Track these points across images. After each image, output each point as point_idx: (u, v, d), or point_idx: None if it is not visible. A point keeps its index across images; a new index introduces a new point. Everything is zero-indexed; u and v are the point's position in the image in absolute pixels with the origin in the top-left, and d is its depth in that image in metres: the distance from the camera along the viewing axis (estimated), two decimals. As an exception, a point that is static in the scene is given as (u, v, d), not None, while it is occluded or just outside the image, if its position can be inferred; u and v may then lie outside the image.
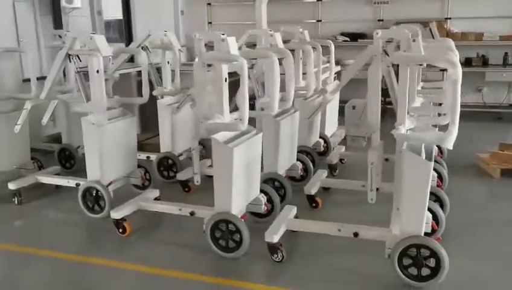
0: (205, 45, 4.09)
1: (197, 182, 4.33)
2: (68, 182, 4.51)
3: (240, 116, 3.24)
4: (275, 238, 3.28)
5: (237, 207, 3.43)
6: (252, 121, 3.40)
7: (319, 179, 4.40)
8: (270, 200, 3.83)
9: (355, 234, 3.27)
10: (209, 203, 3.59)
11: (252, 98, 3.36)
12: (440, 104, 3.91)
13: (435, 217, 3.37)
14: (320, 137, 5.34)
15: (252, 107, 3.32)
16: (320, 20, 8.97)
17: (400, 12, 8.20)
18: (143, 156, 5.29)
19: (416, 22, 5.97)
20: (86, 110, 3.99)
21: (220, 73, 3.24)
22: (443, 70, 6.74)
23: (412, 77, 2.92)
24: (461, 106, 2.65)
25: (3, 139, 4.64)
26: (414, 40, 2.98)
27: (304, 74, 4.98)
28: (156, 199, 4.14)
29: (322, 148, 5.31)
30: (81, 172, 4.61)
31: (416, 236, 2.91)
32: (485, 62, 7.94)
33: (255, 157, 3.58)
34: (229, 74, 3.30)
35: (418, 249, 2.91)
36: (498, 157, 5.20)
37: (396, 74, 3.76)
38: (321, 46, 5.03)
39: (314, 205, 4.24)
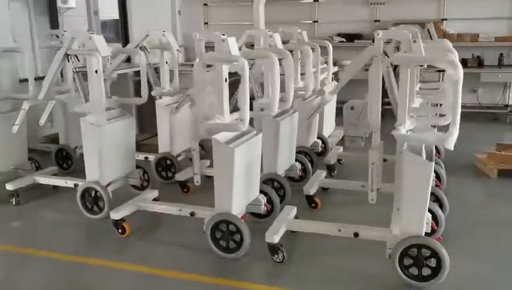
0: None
1: (197, 182, 4.33)
2: (66, 182, 4.49)
3: (240, 116, 3.24)
4: (276, 239, 3.28)
5: (238, 208, 3.43)
6: (250, 122, 3.39)
7: (318, 180, 4.41)
8: (269, 200, 3.83)
9: (356, 234, 3.28)
10: (208, 204, 3.59)
11: (251, 99, 3.36)
12: (437, 105, 3.94)
13: (435, 217, 3.38)
14: (318, 137, 5.35)
15: (250, 107, 3.32)
16: (317, 21, 8.98)
17: (396, 13, 8.23)
18: (141, 156, 5.28)
19: (412, 23, 6.02)
20: (85, 110, 3.97)
21: (220, 73, 3.24)
22: (439, 71, 6.80)
23: (411, 77, 2.93)
24: (459, 106, 2.66)
25: (0, 139, 4.61)
26: (415, 41, 2.99)
27: (302, 74, 5.00)
28: (155, 199, 4.13)
29: (319, 149, 5.32)
30: (79, 173, 4.60)
31: (417, 236, 2.92)
32: (480, 63, 7.99)
33: (255, 158, 3.58)
34: (228, 74, 3.30)
35: (419, 249, 2.92)
36: (495, 157, 5.23)
37: (395, 75, 3.78)
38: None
39: (313, 205, 4.25)
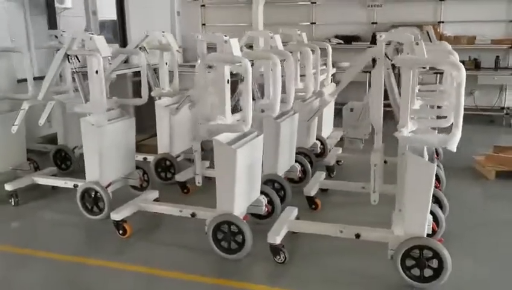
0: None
1: (199, 183, 4.32)
2: (66, 183, 4.47)
3: (242, 117, 3.23)
4: (278, 240, 3.28)
5: (239, 209, 3.43)
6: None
7: (318, 181, 4.41)
8: (270, 201, 3.83)
9: (357, 236, 3.28)
10: (208, 205, 3.59)
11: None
12: (434, 106, 3.96)
13: (435, 219, 3.40)
14: (317, 139, 5.37)
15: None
16: (315, 23, 8.99)
17: (393, 16, 8.26)
18: (140, 157, 5.26)
19: (409, 25, 6.04)
20: (85, 110, 3.96)
21: (222, 74, 3.24)
22: (436, 73, 6.83)
23: (413, 79, 2.94)
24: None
25: (-1, 140, 4.59)
26: (417, 43, 3.01)
27: (301, 76, 5.01)
28: (155, 200, 4.12)
29: (318, 150, 5.34)
30: (78, 173, 4.58)
31: (419, 237, 2.93)
32: (477, 65, 8.03)
33: (256, 159, 3.58)
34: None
35: (421, 250, 2.93)
36: (493, 159, 5.27)
37: (396, 77, 3.80)
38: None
39: (313, 206, 4.25)
